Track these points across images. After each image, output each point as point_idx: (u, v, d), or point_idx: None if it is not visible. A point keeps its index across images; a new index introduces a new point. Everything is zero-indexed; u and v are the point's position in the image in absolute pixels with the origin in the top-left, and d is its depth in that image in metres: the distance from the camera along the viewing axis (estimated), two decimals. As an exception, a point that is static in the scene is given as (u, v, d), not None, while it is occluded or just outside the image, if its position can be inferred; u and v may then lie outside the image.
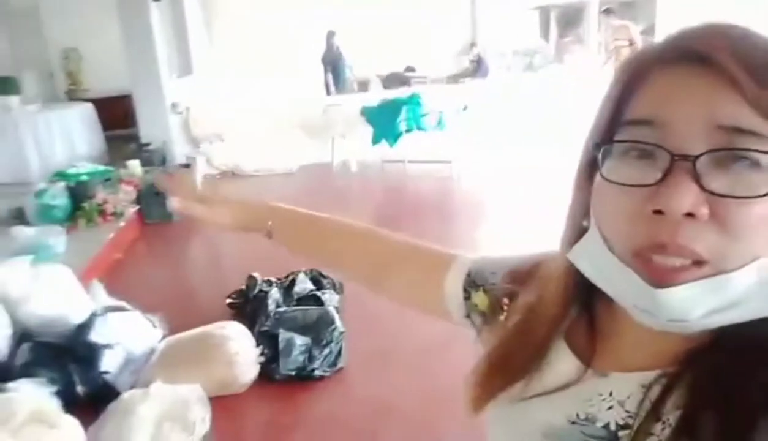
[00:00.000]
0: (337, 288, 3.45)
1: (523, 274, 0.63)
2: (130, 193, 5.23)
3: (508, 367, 0.58)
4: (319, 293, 3.23)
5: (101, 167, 5.72)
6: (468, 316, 0.69)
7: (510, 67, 10.79)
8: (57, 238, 3.99)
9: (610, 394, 0.51)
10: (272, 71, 9.31)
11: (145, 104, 6.46)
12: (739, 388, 0.44)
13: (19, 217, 4.57)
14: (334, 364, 2.77)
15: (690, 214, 0.42)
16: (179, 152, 6.71)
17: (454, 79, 9.77)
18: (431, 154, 6.53)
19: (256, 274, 3.47)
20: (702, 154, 0.42)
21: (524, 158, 6.59)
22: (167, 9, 7.42)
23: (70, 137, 6.91)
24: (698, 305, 0.43)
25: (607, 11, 7.91)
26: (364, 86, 9.36)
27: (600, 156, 0.48)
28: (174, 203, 0.83)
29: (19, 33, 8.09)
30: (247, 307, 3.31)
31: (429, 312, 0.75)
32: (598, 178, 0.48)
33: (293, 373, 2.71)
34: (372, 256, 0.80)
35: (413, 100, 6.28)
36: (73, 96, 8.75)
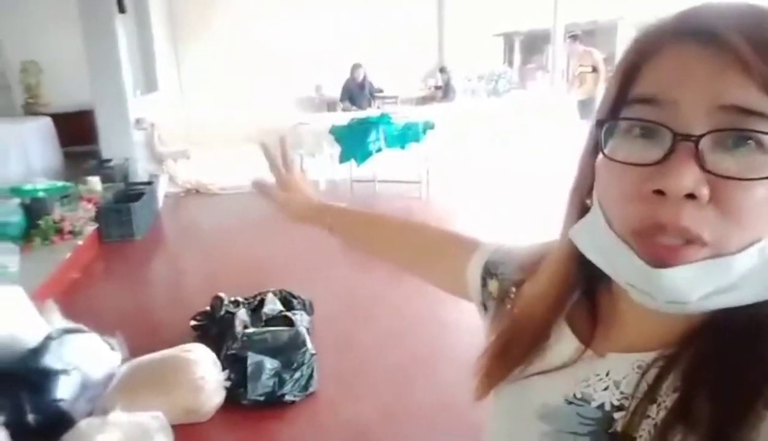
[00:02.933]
0: (308, 309, 3.34)
1: (532, 265, 0.63)
2: (89, 211, 5.03)
3: (512, 351, 0.58)
4: (289, 314, 3.11)
5: (59, 183, 5.49)
6: (483, 304, 0.70)
7: (475, 92, 10.93)
8: (10, 257, 3.78)
9: (607, 375, 0.51)
10: (241, 89, 9.24)
11: (108, 120, 6.26)
12: (734, 370, 0.44)
13: (-31, 234, 4.33)
14: (305, 388, 2.66)
15: (691, 195, 0.41)
16: (142, 169, 6.52)
17: (423, 101, 9.86)
18: (400, 173, 6.51)
19: (222, 294, 3.34)
20: (705, 134, 0.41)
21: (492, 179, 6.65)
22: (133, 23, 7.26)
23: (25, 152, 6.64)
24: (698, 287, 0.42)
25: (574, 37, 8.08)
26: (332, 107, 9.36)
27: (603, 133, 0.47)
28: (261, 182, 1.01)
29: (-25, 45, 7.83)
30: (212, 328, 3.17)
31: (458, 296, 0.77)
32: (600, 156, 0.47)
33: (262, 398, 2.58)
34: (411, 248, 0.87)
35: (384, 120, 6.25)
36: (31, 110, 8.44)
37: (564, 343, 0.56)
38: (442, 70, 10.43)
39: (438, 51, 11.02)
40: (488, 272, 0.69)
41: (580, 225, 0.50)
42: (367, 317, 3.49)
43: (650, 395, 0.47)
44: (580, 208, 0.51)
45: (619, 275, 0.47)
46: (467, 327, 3.29)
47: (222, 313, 3.18)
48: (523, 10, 10.66)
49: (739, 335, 0.44)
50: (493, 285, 0.68)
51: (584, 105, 7.87)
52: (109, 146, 6.33)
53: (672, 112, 0.42)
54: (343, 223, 0.94)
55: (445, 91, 10.04)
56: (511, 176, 6.73)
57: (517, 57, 14.30)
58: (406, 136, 6.28)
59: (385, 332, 3.32)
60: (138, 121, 6.50)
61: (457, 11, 10.58)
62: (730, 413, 0.42)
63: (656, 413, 0.46)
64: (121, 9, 6.16)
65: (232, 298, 3.33)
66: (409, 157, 6.41)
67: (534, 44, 13.34)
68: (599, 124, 0.47)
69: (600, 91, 7.94)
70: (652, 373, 0.48)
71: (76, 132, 7.47)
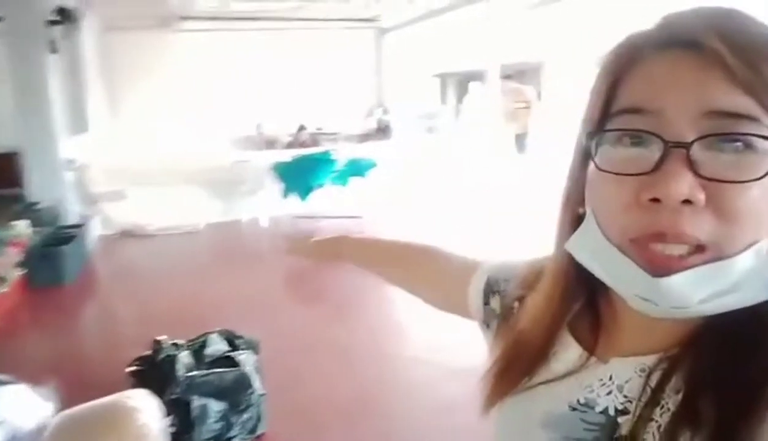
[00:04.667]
0: (254, 348, 3.24)
1: (532, 278, 0.63)
2: (15, 256, 4.76)
3: (517, 363, 0.59)
4: (233, 354, 3.01)
5: (-18, 229, 5.19)
6: (485, 322, 0.70)
7: (412, 130, 11.17)
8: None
9: (610, 379, 0.51)
10: (179, 128, 9.08)
11: (36, 162, 5.98)
12: (737, 369, 0.44)
13: None
14: (253, 430, 2.57)
15: (687, 201, 0.41)
16: (73, 211, 6.25)
17: (364, 138, 9.99)
18: (341, 209, 6.53)
19: (161, 338, 3.21)
20: (696, 140, 0.42)
21: (433, 212, 6.75)
22: (63, 63, 7.03)
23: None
24: (699, 291, 0.42)
25: (507, 77, 8.45)
26: (272, 145, 9.33)
27: (593, 145, 0.47)
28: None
29: None
30: (151, 373, 3.02)
31: (460, 315, 0.77)
32: (591, 167, 0.47)
33: (209, 443, 2.47)
34: (415, 271, 0.88)
35: (326, 157, 6.29)
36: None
37: (568, 351, 0.56)
38: (380, 108, 10.62)
39: (377, 90, 11.24)
40: (490, 289, 0.70)
41: (576, 236, 0.50)
42: (314, 353, 3.43)
43: (654, 398, 0.47)
44: (573, 218, 0.51)
45: (619, 285, 0.47)
46: (412, 358, 3.29)
47: (162, 356, 3.05)
48: (458, 52, 11.06)
49: (741, 335, 0.44)
50: (495, 302, 0.69)
51: (520, 139, 8.20)
52: (37, 189, 6.04)
53: (660, 119, 0.43)
54: (355, 253, 1.03)
55: (383, 129, 10.21)
56: (452, 210, 6.85)
57: (452, 96, 14.77)
58: (349, 172, 6.33)
59: (333, 368, 3.27)
60: (69, 162, 6.25)
61: (395, 52, 10.85)
62: (735, 413, 0.42)
63: (660, 416, 0.46)
64: (53, 49, 5.98)
65: (172, 341, 3.20)
66: (351, 192, 6.45)
67: (468, 84, 13.83)
68: (589, 135, 0.47)
69: (532, 125, 8.32)
70: (656, 375, 0.48)
71: (1, 175, 7.11)
